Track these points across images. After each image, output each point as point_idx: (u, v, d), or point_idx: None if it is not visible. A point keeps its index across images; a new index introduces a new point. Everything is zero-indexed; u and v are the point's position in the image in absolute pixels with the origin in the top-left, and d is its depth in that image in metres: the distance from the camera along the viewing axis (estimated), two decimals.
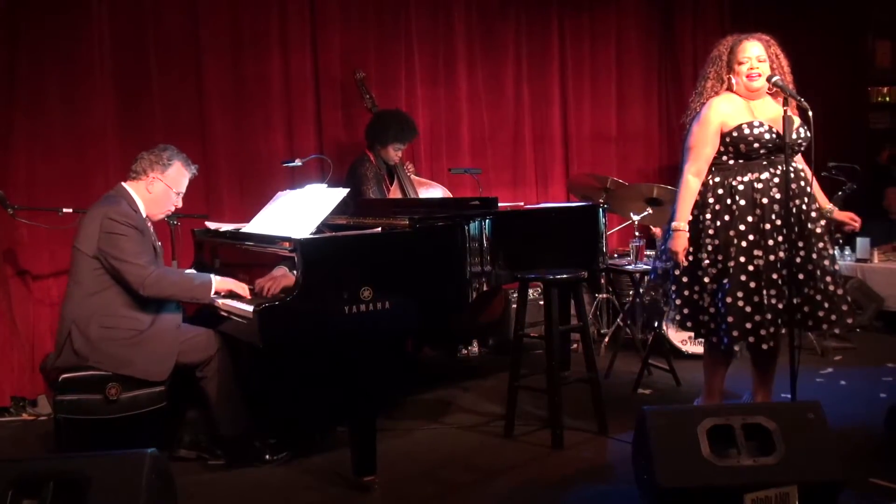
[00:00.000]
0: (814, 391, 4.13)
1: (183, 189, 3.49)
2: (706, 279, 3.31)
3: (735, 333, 3.22)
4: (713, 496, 2.52)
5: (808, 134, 3.28)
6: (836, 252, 5.66)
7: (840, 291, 3.31)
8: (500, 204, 3.88)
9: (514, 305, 4.37)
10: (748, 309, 3.21)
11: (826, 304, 3.27)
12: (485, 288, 3.48)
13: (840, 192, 5.19)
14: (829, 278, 3.29)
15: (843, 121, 7.38)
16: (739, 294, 3.21)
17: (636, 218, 4.76)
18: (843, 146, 7.10)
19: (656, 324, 4.40)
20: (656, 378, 4.54)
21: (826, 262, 3.29)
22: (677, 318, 3.42)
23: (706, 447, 2.56)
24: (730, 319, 3.22)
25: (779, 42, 3.42)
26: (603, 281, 5.43)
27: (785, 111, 3.16)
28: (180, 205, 3.53)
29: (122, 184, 3.41)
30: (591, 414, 3.66)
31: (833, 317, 3.29)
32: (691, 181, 3.34)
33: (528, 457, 3.41)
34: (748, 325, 3.21)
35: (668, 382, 4.45)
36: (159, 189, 3.40)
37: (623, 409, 3.86)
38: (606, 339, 5.25)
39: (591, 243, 4.18)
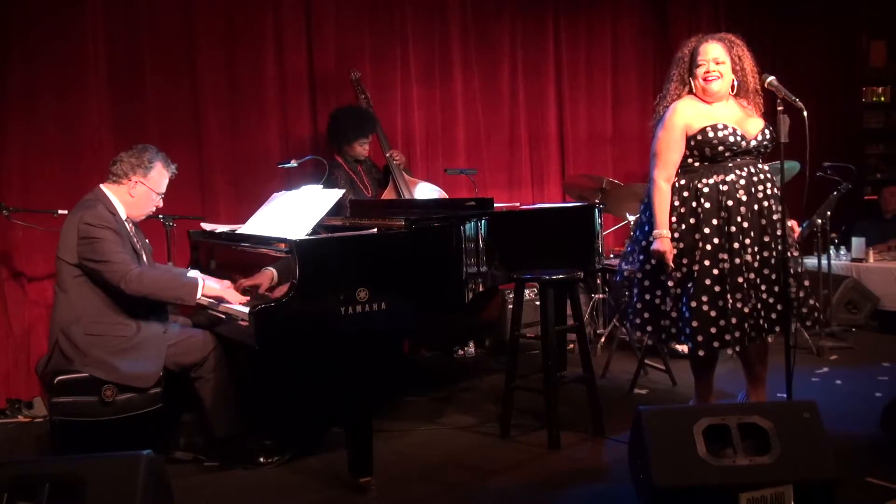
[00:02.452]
0: (809, 391, 4.13)
1: (163, 190, 3.46)
2: (670, 283, 3.29)
3: (699, 338, 3.20)
4: (709, 495, 2.52)
5: (773, 134, 3.29)
6: (832, 251, 5.73)
7: (802, 294, 3.33)
8: (495, 204, 3.88)
9: (511, 306, 4.37)
10: (713, 313, 3.19)
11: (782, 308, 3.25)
12: (481, 288, 3.47)
13: (835, 192, 5.21)
14: (791, 280, 3.27)
15: (837, 120, 7.41)
16: (704, 298, 3.20)
17: (632, 218, 4.77)
18: (838, 146, 7.12)
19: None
20: (652, 378, 4.54)
21: (790, 265, 3.28)
22: (637, 321, 3.40)
23: (702, 447, 2.56)
24: (694, 324, 3.21)
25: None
26: (599, 281, 5.44)
27: (779, 111, 3.16)
28: (161, 205, 3.50)
29: (101, 186, 3.39)
30: (587, 414, 3.65)
31: (804, 310, 3.32)
32: (663, 186, 3.32)
33: (525, 457, 3.41)
34: (713, 330, 3.19)
35: (665, 382, 4.45)
36: (141, 192, 3.38)
37: (619, 409, 3.86)
38: (602, 340, 5.26)
39: (587, 243, 4.18)
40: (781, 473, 2.52)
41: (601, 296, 5.47)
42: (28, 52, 4.21)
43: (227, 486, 3.21)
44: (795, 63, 7.01)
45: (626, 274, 3.52)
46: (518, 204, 5.03)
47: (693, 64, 3.34)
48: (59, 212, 3.97)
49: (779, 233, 3.26)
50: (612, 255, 5.49)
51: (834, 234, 5.77)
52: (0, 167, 4.17)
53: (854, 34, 7.57)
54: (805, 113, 3.05)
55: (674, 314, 3.30)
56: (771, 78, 3.24)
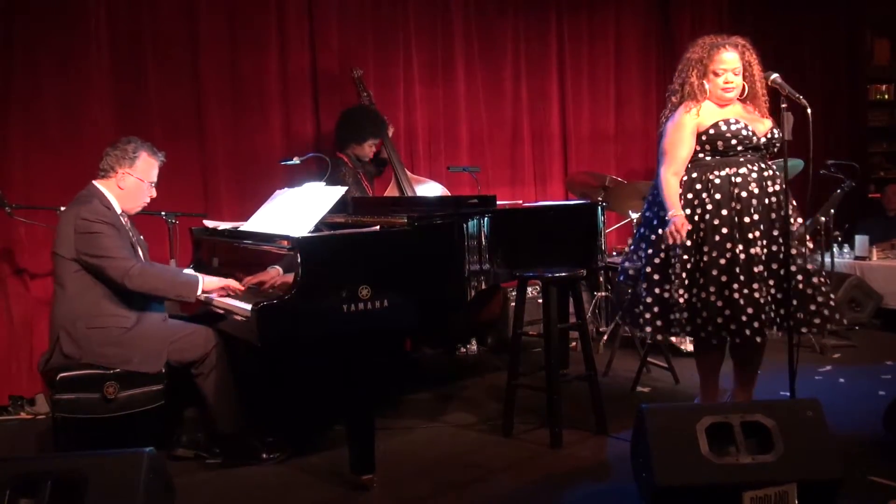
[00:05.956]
0: (813, 389, 4.12)
1: (154, 178, 3.44)
2: (684, 275, 3.29)
3: (710, 328, 3.24)
4: (712, 494, 2.52)
5: (781, 135, 3.30)
6: (836, 249, 5.72)
7: (810, 291, 3.33)
8: (498, 202, 3.88)
9: (513, 304, 4.37)
10: (719, 304, 3.22)
11: (794, 302, 3.28)
12: (483, 286, 3.47)
13: (839, 190, 5.20)
14: (800, 276, 3.30)
15: (841, 118, 7.40)
16: (711, 289, 3.23)
17: (634, 216, 4.76)
18: (842, 144, 7.11)
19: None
20: (655, 376, 4.54)
21: (799, 261, 3.31)
22: (647, 316, 3.38)
23: (705, 445, 2.56)
24: (704, 314, 3.24)
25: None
26: (601, 279, 5.43)
27: (783, 108, 3.15)
28: (154, 194, 3.48)
29: (94, 182, 3.38)
30: (589, 412, 3.65)
31: (800, 315, 3.31)
32: (672, 180, 3.33)
33: (527, 455, 3.41)
34: (719, 321, 3.23)
35: (667, 380, 4.45)
36: (131, 183, 3.37)
37: (622, 408, 3.85)
38: (605, 338, 5.25)
39: (590, 241, 4.17)
40: (785, 472, 2.52)
41: (603, 294, 5.47)
42: (30, 49, 4.20)
43: (229, 483, 3.21)
44: (799, 61, 7.00)
45: (630, 273, 3.51)
46: (521, 202, 5.02)
47: (707, 69, 3.32)
48: (62, 209, 3.95)
49: (786, 229, 3.25)
50: (614, 253, 5.49)
51: (837, 232, 5.75)
52: (2, 164, 4.17)
53: (858, 32, 7.56)
54: (809, 110, 3.04)
55: (685, 306, 3.30)
56: (775, 75, 3.23)
